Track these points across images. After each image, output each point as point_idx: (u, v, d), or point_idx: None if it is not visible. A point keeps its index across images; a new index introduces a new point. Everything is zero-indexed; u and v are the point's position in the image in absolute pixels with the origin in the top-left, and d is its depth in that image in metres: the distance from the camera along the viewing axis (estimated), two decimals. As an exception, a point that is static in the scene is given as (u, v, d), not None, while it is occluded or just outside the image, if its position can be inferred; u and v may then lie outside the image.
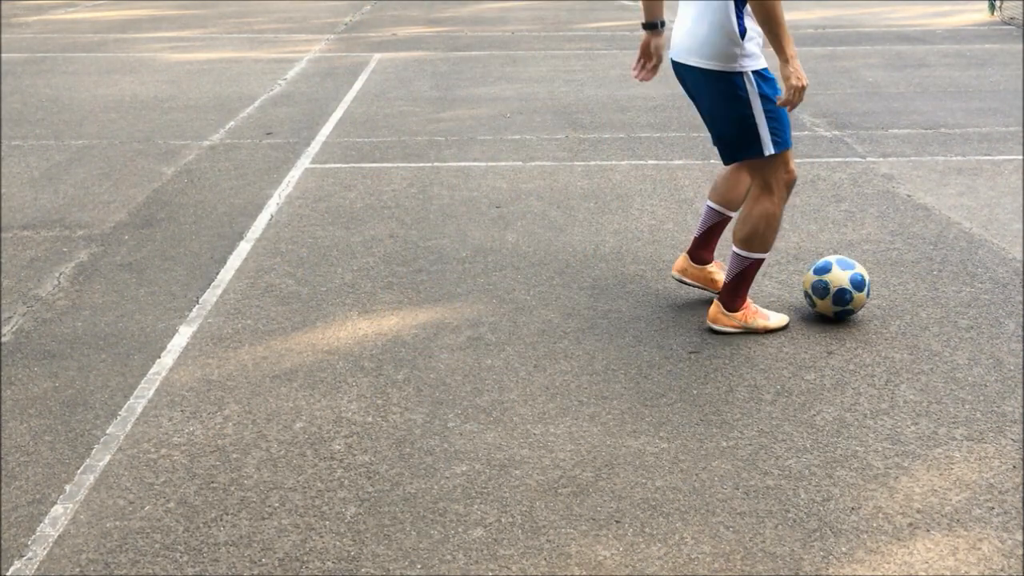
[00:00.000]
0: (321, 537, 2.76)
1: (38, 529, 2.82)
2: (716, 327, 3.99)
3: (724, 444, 3.20)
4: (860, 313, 4.13)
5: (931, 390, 3.53)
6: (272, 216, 5.57)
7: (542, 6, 16.38)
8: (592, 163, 6.61)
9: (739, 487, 2.96)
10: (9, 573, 2.64)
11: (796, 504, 2.87)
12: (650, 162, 6.62)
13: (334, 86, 9.43)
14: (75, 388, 3.65)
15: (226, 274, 4.72)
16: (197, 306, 4.36)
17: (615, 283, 4.55)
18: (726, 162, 3.98)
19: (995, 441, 3.19)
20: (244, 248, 5.07)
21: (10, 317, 4.27)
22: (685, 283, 4.34)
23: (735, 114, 3.74)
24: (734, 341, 3.93)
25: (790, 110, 3.68)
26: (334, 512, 2.87)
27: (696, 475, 3.03)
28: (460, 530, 2.78)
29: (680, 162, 6.58)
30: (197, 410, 3.47)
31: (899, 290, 4.41)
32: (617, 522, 2.80)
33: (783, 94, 3.60)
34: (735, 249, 3.92)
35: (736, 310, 3.96)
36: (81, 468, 3.12)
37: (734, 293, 3.96)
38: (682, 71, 3.89)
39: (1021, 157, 6.57)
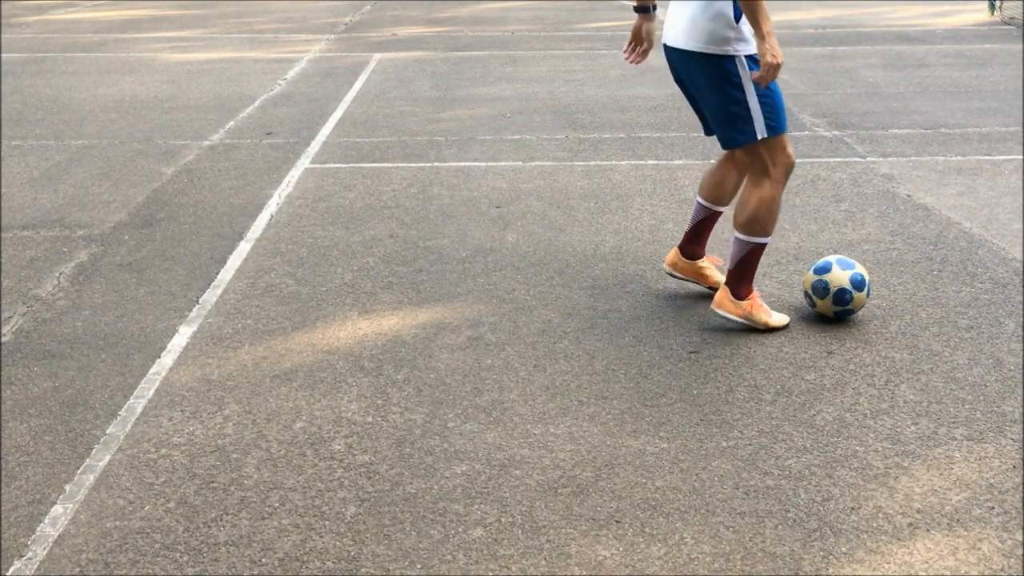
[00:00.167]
0: (321, 537, 2.76)
1: (38, 529, 2.82)
2: (720, 312, 4.01)
3: (724, 444, 3.20)
4: (860, 313, 4.13)
5: (931, 390, 3.53)
6: (272, 216, 5.57)
7: (542, 6, 16.37)
8: (592, 163, 6.61)
9: (739, 487, 2.96)
10: (9, 573, 2.64)
11: (796, 504, 2.87)
12: (650, 162, 6.62)
13: (334, 86, 9.43)
14: (75, 388, 3.65)
15: (226, 274, 4.72)
16: (197, 306, 4.36)
17: (615, 283, 4.55)
18: (724, 147, 3.99)
19: (995, 441, 3.19)
20: (244, 248, 5.07)
21: (10, 317, 4.27)
22: (675, 276, 4.36)
23: (728, 97, 3.77)
24: (734, 341, 3.93)
25: (763, 86, 3.68)
26: (334, 512, 2.87)
27: (696, 475, 3.03)
28: (460, 530, 2.78)
29: (680, 162, 6.58)
30: (197, 410, 3.47)
31: (899, 290, 4.41)
32: (617, 522, 2.80)
33: (758, 70, 3.62)
34: (736, 234, 3.94)
35: (743, 298, 3.97)
36: (81, 468, 3.12)
37: (740, 279, 3.97)
38: (674, 56, 3.92)
39: (1021, 157, 6.56)
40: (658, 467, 3.07)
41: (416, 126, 7.72)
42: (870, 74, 9.73)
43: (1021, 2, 13.84)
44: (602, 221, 5.42)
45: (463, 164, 6.62)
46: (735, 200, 4.08)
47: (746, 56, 3.72)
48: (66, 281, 4.67)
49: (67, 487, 3.02)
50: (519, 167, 6.52)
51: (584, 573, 2.60)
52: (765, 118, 3.78)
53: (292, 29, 13.80)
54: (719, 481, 2.99)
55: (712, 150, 6.46)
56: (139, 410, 3.47)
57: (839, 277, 3.99)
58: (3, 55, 11.53)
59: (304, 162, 6.71)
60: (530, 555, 2.67)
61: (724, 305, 4.00)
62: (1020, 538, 2.70)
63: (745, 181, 3.98)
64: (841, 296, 3.99)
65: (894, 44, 11.63)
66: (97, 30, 13.96)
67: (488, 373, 3.70)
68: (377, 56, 11.19)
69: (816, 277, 4.03)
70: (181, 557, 2.69)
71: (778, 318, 4.03)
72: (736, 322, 3.99)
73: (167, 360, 3.85)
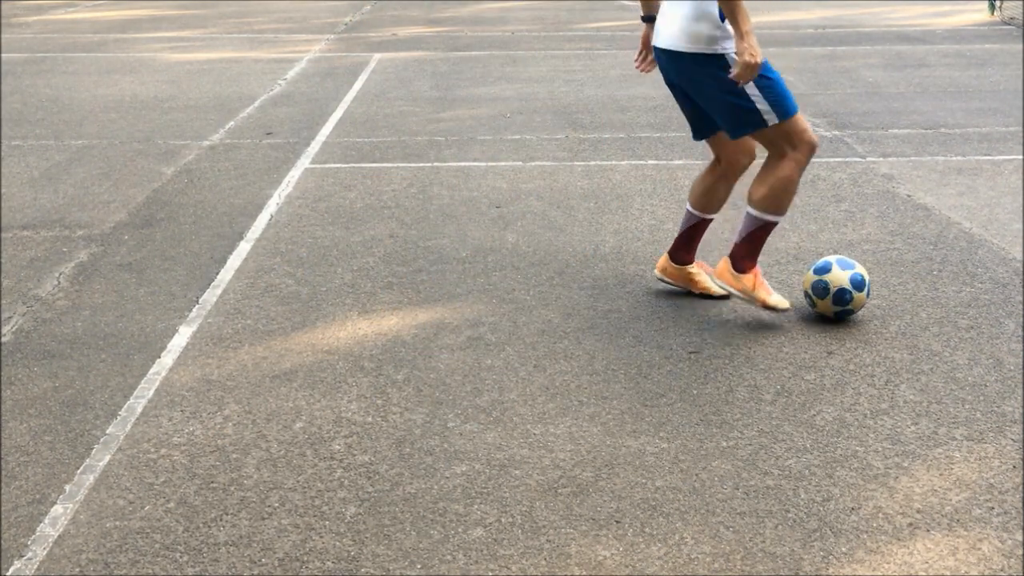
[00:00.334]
0: (321, 537, 2.76)
1: (38, 529, 2.82)
2: (719, 283, 4.03)
3: (724, 444, 3.20)
4: (860, 313, 4.13)
5: (931, 390, 3.53)
6: (272, 216, 5.57)
7: (542, 6, 16.38)
8: (592, 163, 6.61)
9: (739, 487, 2.96)
10: (9, 573, 2.64)
11: (796, 504, 2.87)
12: (650, 162, 6.62)
13: (334, 86, 9.43)
14: (75, 388, 3.65)
15: (226, 274, 4.72)
16: (197, 306, 4.36)
17: (615, 283, 4.55)
18: (733, 137, 4.01)
19: (995, 441, 3.19)
20: (244, 248, 5.07)
21: (10, 317, 4.27)
22: (666, 282, 4.37)
23: (728, 91, 3.80)
24: (734, 341, 3.93)
25: (740, 84, 3.69)
26: (334, 512, 2.87)
27: (696, 475, 3.03)
28: (460, 530, 2.78)
29: (680, 162, 6.58)
30: (197, 410, 3.47)
31: (899, 290, 4.41)
32: (617, 522, 2.80)
33: (734, 68, 3.63)
34: (749, 209, 3.96)
35: (745, 272, 3.98)
36: (81, 468, 3.12)
37: (745, 254, 3.98)
38: (665, 58, 3.95)
39: (1021, 157, 6.56)
40: (658, 467, 3.07)
41: (416, 126, 7.72)
42: (870, 74, 9.73)
43: (1021, 2, 13.84)
44: (602, 221, 5.42)
45: (463, 164, 6.62)
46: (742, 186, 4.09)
47: (735, 53, 3.74)
48: (66, 281, 4.67)
49: (67, 487, 3.02)
50: (519, 167, 6.52)
51: (584, 573, 2.60)
52: (770, 104, 3.79)
53: (292, 29, 13.80)
54: (719, 481, 2.99)
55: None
56: (139, 410, 3.47)
57: (839, 277, 3.99)
58: (3, 55, 11.53)
59: (304, 162, 6.71)
60: (530, 555, 2.67)
61: (724, 276, 4.02)
62: (1020, 538, 2.70)
63: (766, 159, 3.98)
64: (841, 296, 3.99)
65: (894, 44, 11.63)
66: (97, 30, 13.97)
67: (488, 373, 3.70)
68: (377, 56, 11.19)
69: (816, 277, 4.03)
70: (181, 557, 2.69)
71: (777, 299, 4.01)
72: (734, 295, 4.01)
73: (167, 360, 3.85)
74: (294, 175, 6.39)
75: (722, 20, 3.72)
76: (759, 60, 3.61)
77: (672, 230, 5.23)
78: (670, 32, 3.87)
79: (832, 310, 4.04)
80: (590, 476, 3.03)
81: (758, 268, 4.03)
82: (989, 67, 10.00)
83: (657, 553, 2.67)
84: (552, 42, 12.25)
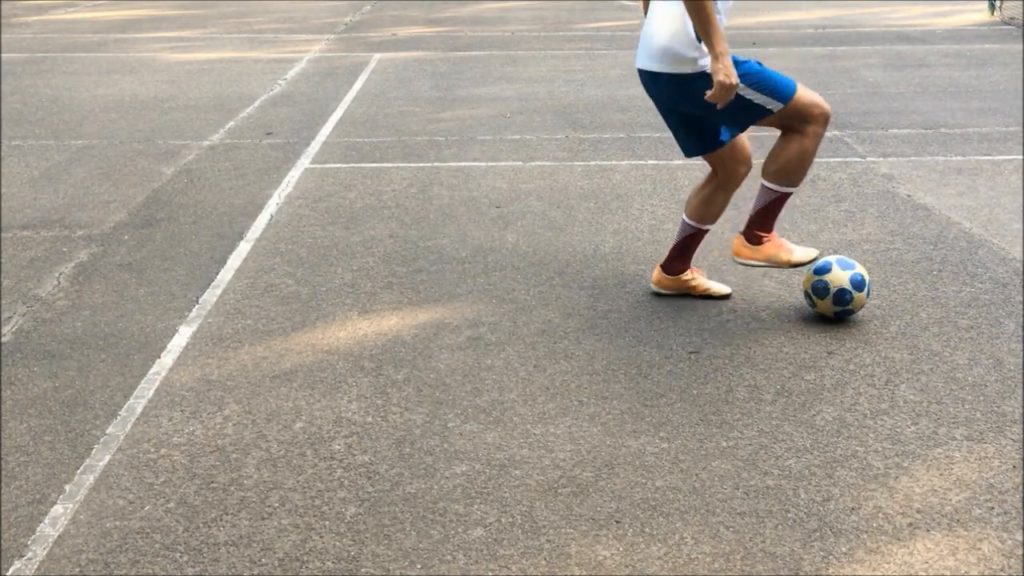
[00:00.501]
0: (321, 537, 2.76)
1: (38, 529, 2.82)
2: (740, 260, 4.06)
3: (724, 444, 3.20)
4: (860, 313, 4.13)
5: (931, 390, 3.53)
6: (272, 216, 5.57)
7: (542, 6, 16.38)
8: (592, 163, 6.61)
9: (739, 487, 2.96)
10: (9, 573, 2.64)
11: (796, 504, 2.87)
12: (650, 162, 6.62)
13: (334, 86, 9.43)
14: (75, 388, 3.65)
15: (226, 274, 4.72)
16: (197, 306, 4.36)
17: (615, 283, 4.55)
18: (741, 131, 4.01)
19: (995, 441, 3.19)
20: (244, 248, 5.07)
21: (10, 317, 4.27)
22: (662, 294, 4.35)
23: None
24: (734, 341, 3.93)
25: (719, 107, 3.69)
26: (334, 512, 2.87)
27: (696, 475, 3.03)
28: (460, 530, 2.78)
29: (680, 162, 6.58)
30: (197, 410, 3.47)
31: (899, 290, 4.41)
32: (617, 522, 2.80)
33: (712, 90, 3.63)
34: (764, 182, 3.98)
35: (760, 243, 3.99)
36: (81, 468, 3.12)
37: (760, 225, 3.99)
38: (646, 78, 3.95)
39: (1021, 157, 6.57)
40: (658, 467, 3.07)
41: (416, 126, 7.72)
42: (870, 74, 9.73)
43: (1021, 2, 13.84)
44: (602, 221, 5.42)
45: (463, 164, 6.62)
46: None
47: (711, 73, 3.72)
48: (66, 281, 4.67)
49: (67, 487, 3.02)
50: (519, 167, 6.52)
51: (584, 573, 2.60)
52: (767, 95, 3.79)
53: (292, 29, 13.80)
54: (719, 481, 2.99)
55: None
56: (139, 410, 3.47)
57: (839, 277, 3.99)
58: (3, 55, 11.53)
59: (304, 162, 6.71)
60: (530, 555, 2.67)
61: (742, 253, 4.05)
62: (1020, 538, 2.70)
63: (780, 135, 3.97)
64: (841, 296, 3.99)
65: (894, 44, 11.63)
66: (97, 30, 13.97)
67: (488, 373, 3.70)
68: (377, 56, 11.19)
69: (816, 277, 4.03)
70: (181, 557, 2.69)
71: (802, 253, 4.00)
72: (759, 266, 4.03)
73: (167, 360, 3.85)
74: (294, 175, 6.39)
75: (699, 40, 3.72)
76: (734, 82, 3.60)
77: (672, 230, 5.23)
78: (648, 52, 3.89)
79: (832, 310, 4.04)
80: (590, 476, 3.03)
81: (774, 232, 4.03)
82: (989, 67, 10.00)
83: (657, 553, 2.67)
84: (552, 42, 12.25)
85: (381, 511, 2.87)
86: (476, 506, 2.89)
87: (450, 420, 3.37)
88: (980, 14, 14.23)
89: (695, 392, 3.54)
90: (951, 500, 2.88)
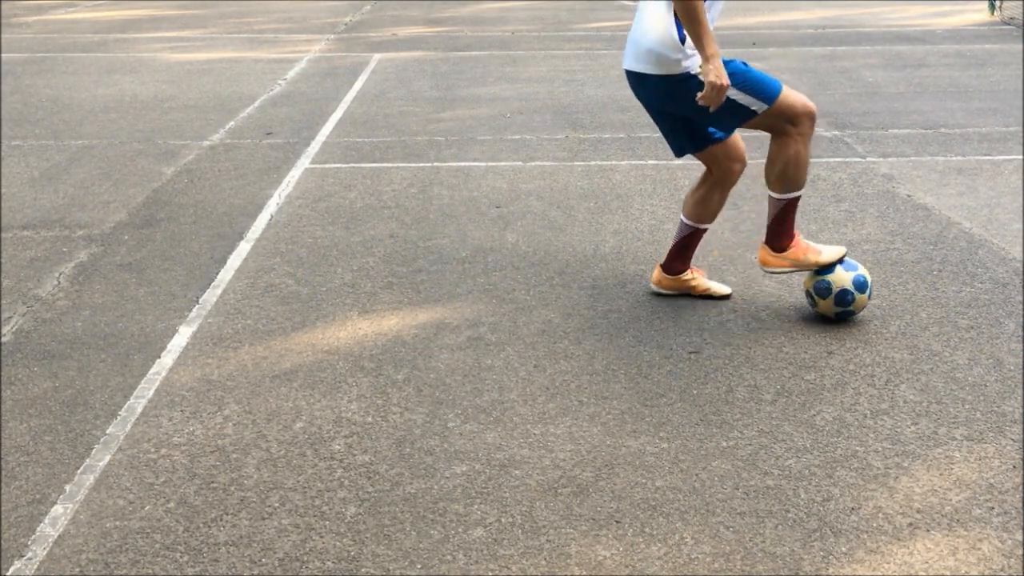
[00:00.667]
0: (321, 537, 2.76)
1: (38, 529, 2.82)
2: (768, 269, 4.09)
3: (724, 444, 3.20)
4: (860, 313, 4.13)
5: (931, 390, 3.53)
6: (272, 216, 5.57)
7: (542, 6, 16.38)
8: (592, 163, 6.61)
9: (739, 487, 2.96)
10: (9, 573, 2.64)
11: (796, 504, 2.87)
12: (650, 162, 6.62)
13: (334, 86, 9.43)
14: (75, 388, 3.65)
15: (226, 274, 4.72)
16: (197, 306, 4.36)
17: (615, 283, 4.55)
18: (728, 133, 4.03)
19: (995, 441, 3.19)
20: (244, 248, 5.07)
21: (10, 317, 4.27)
22: (662, 294, 4.35)
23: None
24: (734, 341, 3.93)
25: (711, 109, 3.69)
26: (334, 512, 2.87)
27: (696, 475, 3.03)
28: (460, 530, 2.78)
29: (680, 162, 6.57)
30: (197, 410, 3.47)
31: (899, 290, 4.41)
32: (617, 522, 2.80)
33: (703, 91, 3.63)
34: (770, 193, 3.99)
35: (785, 249, 4.00)
36: (81, 468, 3.12)
37: (778, 233, 4.01)
38: (632, 79, 3.97)
39: (1021, 157, 6.57)
40: (658, 467, 3.07)
41: (416, 126, 7.72)
42: (870, 74, 9.73)
43: (1021, 2, 13.84)
44: (602, 221, 5.42)
45: (463, 164, 6.62)
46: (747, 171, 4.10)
47: (701, 75, 3.72)
48: (66, 281, 4.67)
49: (67, 487, 3.02)
50: (519, 167, 6.52)
51: (584, 573, 2.60)
52: (752, 96, 3.79)
53: (292, 29, 13.80)
54: (719, 481, 2.99)
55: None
56: (139, 410, 3.47)
57: (842, 278, 3.99)
58: (3, 55, 11.53)
59: (304, 162, 6.71)
60: (530, 555, 2.67)
61: (768, 262, 4.07)
62: (1020, 538, 2.70)
63: (771, 139, 3.98)
64: (843, 297, 3.99)
65: (894, 44, 11.63)
66: (97, 30, 13.97)
67: (488, 373, 3.70)
68: (377, 56, 11.19)
69: (819, 277, 4.03)
70: (181, 557, 2.69)
71: (830, 252, 4.01)
72: (789, 272, 4.06)
73: (167, 360, 3.85)
74: (294, 175, 6.39)
75: (682, 41, 3.73)
76: (725, 83, 3.60)
77: (672, 230, 5.23)
78: (634, 53, 3.89)
79: (833, 311, 4.04)
80: (590, 476, 3.03)
81: (797, 234, 4.04)
82: (989, 67, 10.00)
83: (657, 553, 2.67)
84: (552, 42, 12.25)
85: (381, 511, 2.87)
86: (476, 506, 2.89)
87: (450, 420, 3.37)
88: (980, 14, 14.23)
89: (695, 392, 3.54)
90: (951, 500, 2.88)
